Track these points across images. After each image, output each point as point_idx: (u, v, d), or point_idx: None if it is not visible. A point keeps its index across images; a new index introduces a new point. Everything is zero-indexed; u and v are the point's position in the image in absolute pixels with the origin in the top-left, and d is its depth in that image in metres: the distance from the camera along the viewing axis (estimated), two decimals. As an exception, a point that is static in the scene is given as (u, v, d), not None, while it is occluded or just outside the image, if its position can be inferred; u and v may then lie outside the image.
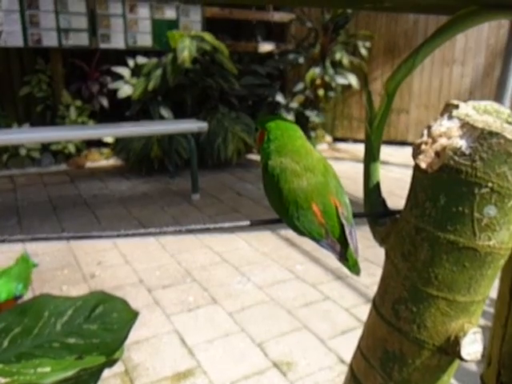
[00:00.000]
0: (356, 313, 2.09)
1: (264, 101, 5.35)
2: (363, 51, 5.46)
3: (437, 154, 0.40)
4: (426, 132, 0.41)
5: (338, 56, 5.33)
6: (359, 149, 5.98)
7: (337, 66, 5.41)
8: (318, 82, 5.39)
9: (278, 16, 5.74)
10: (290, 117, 5.33)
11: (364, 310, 2.11)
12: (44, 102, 4.80)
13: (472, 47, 5.85)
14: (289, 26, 5.89)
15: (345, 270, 2.56)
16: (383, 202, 0.57)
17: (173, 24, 5.03)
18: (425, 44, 0.47)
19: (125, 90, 4.60)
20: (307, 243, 2.89)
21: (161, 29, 4.97)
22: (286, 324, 1.99)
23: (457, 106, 0.42)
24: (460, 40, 5.83)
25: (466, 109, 0.41)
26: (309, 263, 2.62)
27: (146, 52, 4.95)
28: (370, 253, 2.77)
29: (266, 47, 5.59)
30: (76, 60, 4.83)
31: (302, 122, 5.54)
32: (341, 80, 5.48)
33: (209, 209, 3.54)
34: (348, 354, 1.78)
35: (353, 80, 5.53)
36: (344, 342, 1.87)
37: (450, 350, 0.42)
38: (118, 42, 4.80)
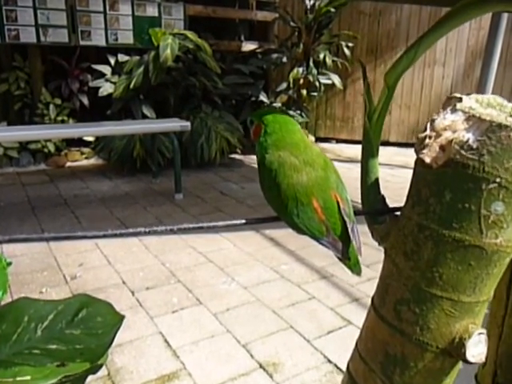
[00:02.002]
0: (341, 312, 2.09)
1: (247, 100, 5.33)
2: (346, 51, 5.48)
3: (442, 148, 0.38)
4: (429, 125, 0.40)
5: (321, 56, 5.34)
6: (342, 149, 6.01)
7: (320, 65, 5.42)
8: (302, 81, 5.39)
9: (262, 15, 5.73)
10: (274, 116, 5.33)
11: (349, 309, 2.11)
12: (22, 100, 4.69)
13: (453, 48, 5.93)
14: (272, 26, 5.88)
15: (330, 270, 2.56)
16: (383, 199, 0.55)
17: (155, 21, 4.97)
18: (428, 33, 0.46)
19: (106, 88, 4.52)
20: (292, 243, 2.88)
21: (142, 26, 4.91)
22: (271, 324, 1.97)
23: (460, 99, 0.40)
24: (441, 41, 5.89)
25: (470, 102, 0.40)
26: (294, 263, 2.61)
27: (127, 50, 4.88)
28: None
29: (249, 46, 5.57)
30: (55, 57, 4.73)
31: (286, 121, 5.54)
32: (324, 80, 5.49)
33: (192, 208, 3.50)
34: (334, 354, 1.77)
35: (336, 80, 5.55)
36: (330, 341, 1.86)
37: (455, 352, 0.41)
38: (98, 39, 4.72)
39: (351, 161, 5.29)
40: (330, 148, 6.07)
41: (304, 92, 5.44)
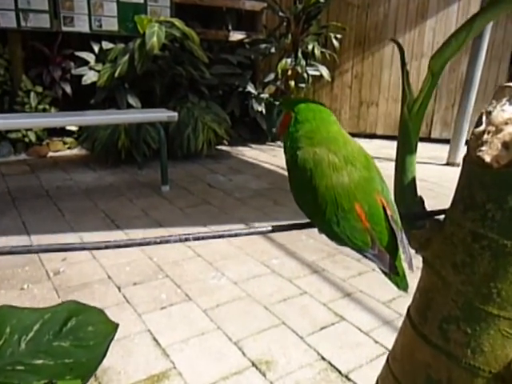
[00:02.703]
0: (334, 307, 2.06)
1: (235, 91, 5.25)
2: (335, 43, 5.43)
3: (505, 145, 0.33)
4: (484, 119, 0.35)
5: (309, 47, 5.28)
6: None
7: (308, 57, 5.36)
8: (290, 72, 5.32)
9: (250, 4, 5.63)
10: (261, 108, 5.26)
11: (342, 305, 2.08)
12: (1, 87, 4.52)
13: (440, 42, 5.91)
14: (260, 15, 5.79)
15: (321, 264, 2.53)
16: (421, 201, 0.49)
17: (140, 8, 4.83)
18: (483, 12, 0.40)
19: (90, 77, 4.39)
20: (283, 237, 2.83)
21: (127, 13, 4.77)
22: (263, 321, 1.93)
23: (516, 88, 0.35)
24: (428, 34, 5.89)
25: (528, 91, 0.35)
26: (284, 257, 2.57)
27: (111, 37, 4.74)
28: (345, 246, 2.75)
29: (236, 36, 5.48)
30: (36, 43, 4.57)
31: (273, 113, 5.48)
32: (312, 71, 5.44)
33: (179, 201, 3.43)
34: (328, 351, 1.74)
35: (324, 72, 5.50)
36: (323, 338, 1.83)
37: (510, 378, 0.36)
38: (81, 25, 4.57)
39: (339, 153, 5.27)
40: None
41: (292, 83, 5.38)
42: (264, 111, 5.26)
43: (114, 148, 4.16)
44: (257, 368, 1.63)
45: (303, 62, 5.27)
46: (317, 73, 5.48)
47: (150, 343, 1.73)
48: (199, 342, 1.75)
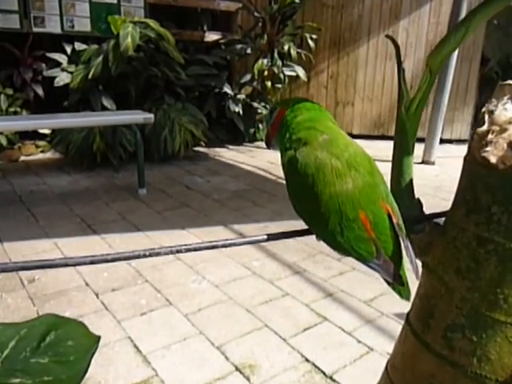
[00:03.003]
0: (316, 308, 2.05)
1: (211, 92, 5.21)
2: (311, 43, 5.45)
3: (511, 145, 0.32)
4: (487, 118, 0.34)
5: (285, 47, 5.29)
6: (307, 141, 6.01)
7: (285, 57, 5.37)
8: (266, 73, 5.32)
9: (225, 4, 5.60)
10: (238, 108, 5.23)
11: (324, 305, 2.07)
12: (-31, 90, 4.37)
13: (413, 42, 6.02)
14: (235, 16, 5.76)
15: (302, 265, 2.52)
16: (419, 204, 0.47)
17: (113, 8, 4.74)
18: (481, 7, 0.39)
19: (62, 78, 4.28)
20: (262, 238, 2.82)
21: (100, 13, 4.67)
22: (245, 324, 1.91)
23: (516, 87, 0.34)
24: (402, 35, 5.98)
25: (528, 90, 0.34)
26: (265, 259, 2.55)
27: (84, 37, 4.64)
28: (324, 245, 2.75)
29: (212, 36, 5.44)
30: (6, 44, 4.43)
31: (250, 113, 5.47)
32: (288, 72, 5.45)
33: (157, 204, 3.37)
34: (312, 353, 1.73)
35: (300, 72, 5.52)
36: (307, 339, 1.82)
37: (516, 385, 0.35)
38: (53, 25, 4.46)
39: (316, 153, 5.29)
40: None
41: (269, 84, 5.37)
42: (241, 112, 5.24)
43: (88, 151, 4.07)
44: (240, 372, 1.61)
45: (279, 63, 5.28)
46: (293, 73, 5.49)
47: (131, 351, 1.69)
48: (181, 348, 1.72)
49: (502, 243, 0.34)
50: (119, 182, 3.93)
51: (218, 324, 1.89)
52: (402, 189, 0.47)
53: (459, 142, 6.26)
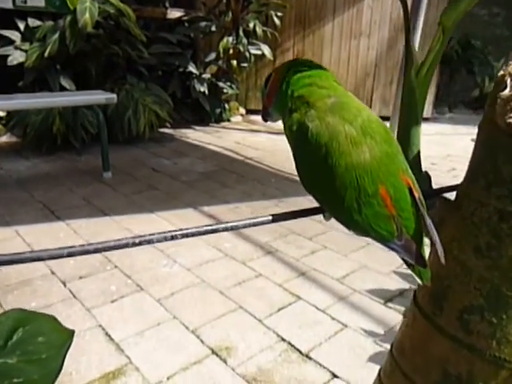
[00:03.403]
0: (290, 288, 2.05)
1: (175, 71, 5.06)
2: (276, 21, 5.37)
3: None
4: (509, 82, 0.31)
5: (250, 25, 5.18)
6: (274, 121, 5.96)
7: (250, 35, 5.27)
8: (231, 51, 5.21)
9: (187, -20, 5.41)
10: (203, 88, 5.12)
11: (297, 284, 2.08)
12: None
13: (377, 20, 6.04)
14: (198, -8, 5.59)
15: (274, 244, 2.52)
16: (428, 177, 0.44)
17: (68, -17, 4.48)
18: None
19: (16, 57, 4.03)
20: (232, 219, 2.78)
21: (54, -13, 4.41)
22: (219, 306, 1.89)
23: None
24: (366, 13, 5.98)
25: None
26: (236, 240, 2.53)
27: (38, 13, 4.37)
28: (296, 225, 2.76)
29: (174, 14, 5.25)
30: (-49, 20, 4.12)
31: (216, 93, 5.36)
32: (254, 50, 5.36)
33: (123, 187, 3.27)
34: (287, 332, 1.73)
35: (266, 50, 5.44)
36: (281, 319, 1.82)
37: (534, 367, 0.34)
38: (4, 0, 4.17)
39: (283, 133, 5.25)
40: (261, 120, 5.99)
41: (234, 62, 5.28)
42: (207, 92, 5.12)
43: (48, 134, 3.88)
44: (217, 355, 1.59)
45: (245, 41, 5.18)
46: (259, 52, 5.40)
47: (103, 339, 1.63)
48: (155, 334, 1.68)
49: None
50: (82, 165, 3.79)
51: (192, 308, 1.86)
52: (410, 161, 0.43)
53: (423, 119, 6.38)
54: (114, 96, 3.44)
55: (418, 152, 0.44)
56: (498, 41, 7.45)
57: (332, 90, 0.43)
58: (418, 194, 0.42)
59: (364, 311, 1.90)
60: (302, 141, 0.42)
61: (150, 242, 0.40)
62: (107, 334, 1.66)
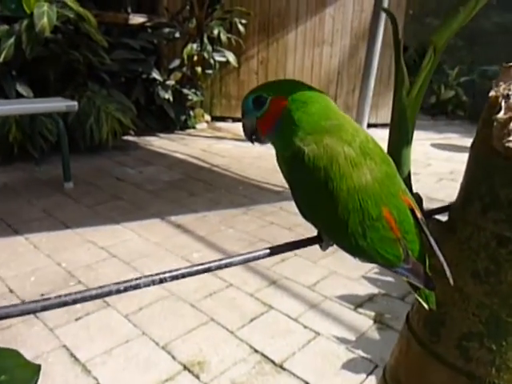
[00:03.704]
0: (261, 297, 2.03)
1: (138, 77, 4.96)
2: (241, 28, 5.37)
3: None
4: (503, 103, 0.30)
5: (215, 32, 5.16)
6: (239, 128, 5.94)
7: (214, 42, 5.24)
8: (196, 58, 5.17)
9: (149, -15, 5.33)
10: (168, 95, 5.05)
11: (268, 293, 2.06)
12: None
13: (339, 29, 6.15)
14: (161, -2, 5.52)
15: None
16: (419, 198, 0.43)
17: (24, -14, 4.32)
18: None
19: (-32, 62, 3.84)
20: (201, 228, 2.75)
21: (9, -9, 4.23)
22: (190, 319, 1.84)
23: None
24: (328, 22, 6.08)
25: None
26: (205, 250, 2.49)
27: (-8, 17, 4.19)
28: (264, 232, 2.74)
29: (137, 19, 5.16)
30: None
31: (181, 100, 5.30)
32: (219, 57, 5.33)
33: (86, 198, 3.16)
34: (260, 343, 1.71)
35: (231, 57, 5.43)
36: (254, 330, 1.79)
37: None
38: (-47, 3, 3.97)
39: (249, 140, 5.26)
40: (226, 127, 5.98)
41: (199, 69, 5.23)
42: (171, 99, 5.05)
43: (4, 143, 3.70)
44: (189, 371, 1.55)
45: (209, 48, 5.15)
46: (223, 59, 5.39)
47: (68, 360, 1.55)
48: (123, 352, 1.62)
49: None
50: (42, 175, 3.64)
51: (162, 322, 1.80)
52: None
53: (384, 126, 6.54)
54: (75, 103, 3.33)
55: (409, 173, 0.43)
56: (452, 50, 7.76)
57: (335, 112, 0.41)
58: (420, 214, 0.40)
59: (335, 318, 1.91)
60: (297, 166, 0.40)
61: (136, 287, 0.37)
62: (72, 355, 1.58)
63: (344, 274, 2.26)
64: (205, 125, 5.91)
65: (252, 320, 1.86)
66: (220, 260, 0.41)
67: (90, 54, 4.20)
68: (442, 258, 0.39)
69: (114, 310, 1.86)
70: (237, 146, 4.93)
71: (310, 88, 0.43)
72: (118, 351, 1.61)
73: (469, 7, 0.37)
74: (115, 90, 4.51)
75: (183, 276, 0.40)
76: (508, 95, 0.31)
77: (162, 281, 0.38)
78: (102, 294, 0.36)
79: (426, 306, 0.39)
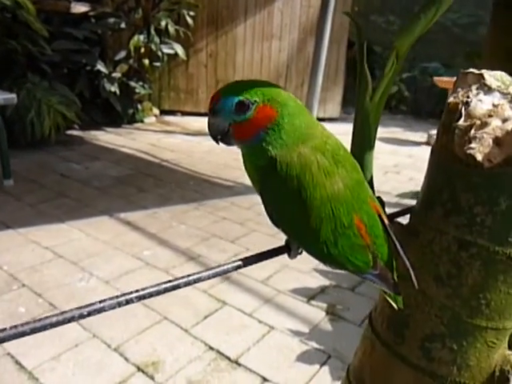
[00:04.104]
0: (215, 293, 2.03)
1: (82, 69, 4.76)
2: (189, 20, 5.28)
3: (497, 141, 0.30)
4: (463, 111, 0.31)
5: (162, 23, 5.04)
6: (189, 121, 5.87)
7: (162, 34, 5.12)
8: (143, 50, 5.03)
9: (92, -27, 5.11)
10: (114, 88, 4.88)
11: (222, 289, 2.06)
12: None
13: (287, 23, 6.20)
14: (105, -14, 5.31)
15: (196, 250, 2.47)
16: (381, 202, 0.44)
17: (-47, -31, 4.01)
18: None
19: None
20: (152, 225, 2.69)
21: None
22: (143, 319, 1.80)
23: (480, 76, 0.32)
24: (277, 16, 6.11)
25: (490, 79, 0.32)
26: (157, 247, 2.44)
27: None
28: (216, 228, 2.73)
29: (79, 8, 4.94)
30: None
31: (128, 93, 5.15)
32: (166, 49, 5.22)
33: (28, 196, 3.01)
34: (215, 339, 1.70)
35: (179, 50, 5.33)
36: (208, 327, 1.79)
37: (497, 387, 0.35)
38: None
39: (199, 134, 5.20)
40: (175, 121, 5.88)
41: (146, 62, 5.10)
42: (118, 92, 4.89)
43: None
44: (143, 372, 1.52)
45: (157, 40, 5.03)
46: (171, 51, 5.28)
47: (13, 368, 1.48)
48: (73, 356, 1.56)
49: (486, 246, 0.33)
50: (-22, 172, 3.41)
51: (113, 323, 1.76)
52: (364, 187, 0.44)
53: (331, 120, 6.69)
54: (14, 96, 3.14)
55: (371, 177, 0.44)
56: (396, 47, 8.04)
57: (306, 117, 0.41)
58: (386, 219, 0.42)
59: (289, 311, 1.94)
60: (269, 174, 0.40)
61: (100, 310, 0.35)
62: (18, 363, 1.50)
63: (296, 267, 2.30)
64: (153, 119, 5.78)
65: (206, 317, 1.85)
66: (188, 276, 0.41)
67: (29, 44, 3.98)
68: (407, 262, 0.40)
69: (61, 313, 1.78)
70: (186, 141, 4.86)
71: (287, 93, 0.43)
72: (67, 356, 1.55)
73: (429, 15, 0.38)
74: (57, 83, 4.31)
75: (151, 295, 0.39)
76: (467, 102, 0.32)
77: (128, 302, 0.37)
78: (64, 320, 0.34)
79: (395, 306, 0.40)
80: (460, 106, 0.32)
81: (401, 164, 4.50)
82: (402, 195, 3.47)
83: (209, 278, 0.40)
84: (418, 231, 0.39)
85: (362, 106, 0.41)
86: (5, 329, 0.32)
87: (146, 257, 2.32)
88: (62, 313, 0.35)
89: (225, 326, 1.80)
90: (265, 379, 1.53)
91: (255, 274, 2.21)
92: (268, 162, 0.39)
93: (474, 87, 0.32)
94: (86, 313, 0.36)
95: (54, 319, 0.34)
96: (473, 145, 0.32)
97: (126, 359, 1.57)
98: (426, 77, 6.77)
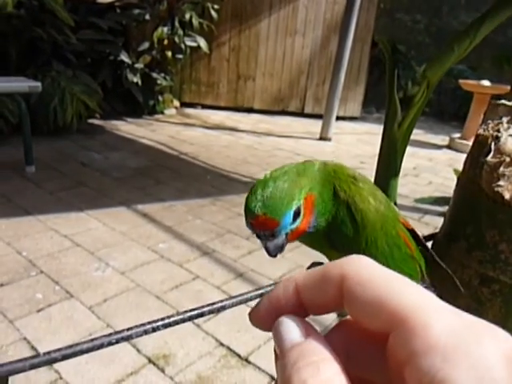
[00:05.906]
0: (228, 290, 2.04)
1: (106, 59, 4.81)
2: (213, 13, 5.28)
3: None
4: (493, 146, 0.31)
5: (187, 16, 5.06)
6: (208, 115, 5.89)
7: (186, 26, 5.14)
8: (166, 42, 5.06)
9: (119, -37, 5.14)
10: (136, 78, 4.92)
11: (235, 286, 2.07)
12: None
13: (312, 20, 6.15)
14: (131, -23, 5.33)
15: (210, 245, 2.48)
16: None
17: (-15, -44, 4.08)
18: (489, 15, 0.35)
19: None
20: (168, 218, 2.72)
21: (-32, -40, 3.99)
22: (156, 312, 1.82)
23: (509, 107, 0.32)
24: (301, 12, 6.07)
25: (522, 112, 0.32)
26: (172, 240, 2.46)
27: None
28: (232, 224, 2.74)
29: (105, -2, 4.98)
30: None
31: (149, 84, 5.18)
32: (190, 42, 5.24)
33: (48, 183, 3.06)
34: (226, 336, 1.72)
35: (202, 43, 5.34)
36: (220, 323, 1.80)
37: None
38: None
39: (218, 128, 5.22)
40: (195, 114, 5.90)
41: (169, 54, 5.13)
42: (140, 82, 4.93)
43: (-40, 122, 3.53)
44: (154, 364, 1.54)
45: (180, 32, 5.04)
46: (194, 44, 5.29)
47: (28, 354, 1.51)
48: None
49: (510, 284, 0.32)
50: (2, 158, 3.49)
51: (127, 314, 1.78)
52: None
53: (352, 119, 6.63)
54: (39, 84, 3.19)
55: (395, 204, 0.44)
56: (419, 46, 7.91)
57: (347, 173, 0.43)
58: (420, 234, 0.42)
59: (301, 312, 1.94)
60: (340, 219, 0.43)
61: (128, 338, 0.37)
62: (33, 348, 1.54)
63: (310, 267, 2.29)
64: (173, 111, 5.81)
65: (218, 313, 1.86)
66: (212, 304, 0.41)
67: (55, 33, 4.04)
68: (449, 271, 0.40)
69: (77, 302, 1.82)
70: (206, 134, 4.88)
71: (300, 164, 0.45)
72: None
73: (463, 46, 0.38)
74: (81, 72, 4.36)
75: (176, 323, 0.40)
76: (497, 137, 0.32)
77: (154, 330, 0.38)
78: (94, 347, 0.35)
79: None
80: (490, 140, 0.32)
81: (420, 167, 4.44)
82: (421, 200, 3.42)
83: (233, 305, 0.41)
84: (434, 260, 0.39)
85: (390, 133, 0.41)
86: (38, 355, 0.34)
87: (161, 249, 2.34)
88: (92, 340, 0.37)
89: (236, 323, 1.81)
90: (273, 378, 1.54)
91: (269, 272, 2.22)
92: (325, 222, 0.41)
93: (505, 120, 0.32)
94: (114, 340, 0.37)
95: (85, 347, 0.36)
96: (501, 182, 0.32)
97: (138, 350, 1.59)
98: (450, 79, 6.64)
